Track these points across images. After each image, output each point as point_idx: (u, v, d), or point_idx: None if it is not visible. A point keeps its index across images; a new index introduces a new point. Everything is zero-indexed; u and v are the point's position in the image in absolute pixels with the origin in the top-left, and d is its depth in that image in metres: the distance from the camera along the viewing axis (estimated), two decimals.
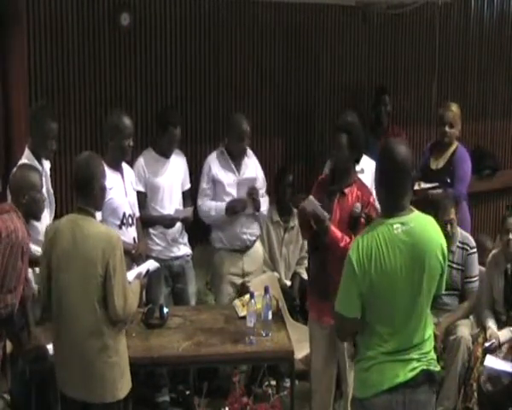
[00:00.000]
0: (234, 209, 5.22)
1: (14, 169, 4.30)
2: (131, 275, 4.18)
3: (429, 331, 3.37)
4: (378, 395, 3.29)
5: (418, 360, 3.30)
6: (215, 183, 5.30)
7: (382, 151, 3.37)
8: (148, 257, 4.81)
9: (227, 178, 5.30)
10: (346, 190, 4.34)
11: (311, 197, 4.30)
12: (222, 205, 5.25)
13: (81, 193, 3.75)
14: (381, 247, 3.22)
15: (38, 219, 4.24)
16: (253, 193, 5.24)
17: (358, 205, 4.27)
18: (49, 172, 4.81)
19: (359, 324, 3.31)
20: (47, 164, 4.80)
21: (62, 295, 3.69)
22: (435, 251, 3.28)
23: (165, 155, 5.25)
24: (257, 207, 5.31)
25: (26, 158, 4.60)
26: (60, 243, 3.72)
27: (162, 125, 5.22)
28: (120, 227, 4.74)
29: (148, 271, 4.29)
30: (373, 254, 3.22)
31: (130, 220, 4.85)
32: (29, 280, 4.24)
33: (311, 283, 4.58)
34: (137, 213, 5.00)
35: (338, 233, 4.25)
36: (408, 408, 3.31)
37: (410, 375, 3.29)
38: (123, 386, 3.77)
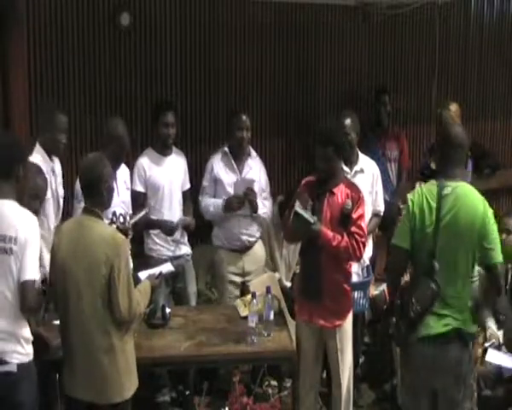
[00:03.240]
0: (230, 206, 5.19)
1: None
2: (143, 275, 4.18)
3: (465, 292, 3.73)
4: (417, 342, 3.70)
5: (453, 317, 3.60)
6: (216, 181, 5.29)
7: (442, 129, 4.09)
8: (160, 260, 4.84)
9: (228, 177, 5.28)
10: (335, 190, 4.38)
11: (297, 204, 4.31)
12: (220, 201, 5.24)
13: (88, 194, 3.73)
14: (428, 199, 3.78)
15: None
16: (249, 194, 5.19)
17: (349, 202, 4.33)
18: (59, 172, 4.72)
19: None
20: (58, 164, 4.71)
21: (69, 296, 3.67)
22: (474, 217, 3.69)
23: (165, 148, 5.20)
24: (254, 208, 5.27)
25: (38, 153, 4.49)
26: (67, 243, 3.71)
27: (155, 114, 5.19)
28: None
29: (160, 273, 4.28)
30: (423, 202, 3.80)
31: (121, 219, 4.79)
32: None
33: (302, 284, 4.56)
34: (130, 212, 4.93)
35: (329, 234, 4.30)
36: (437, 361, 3.63)
37: (442, 330, 3.61)
38: (130, 385, 3.77)
